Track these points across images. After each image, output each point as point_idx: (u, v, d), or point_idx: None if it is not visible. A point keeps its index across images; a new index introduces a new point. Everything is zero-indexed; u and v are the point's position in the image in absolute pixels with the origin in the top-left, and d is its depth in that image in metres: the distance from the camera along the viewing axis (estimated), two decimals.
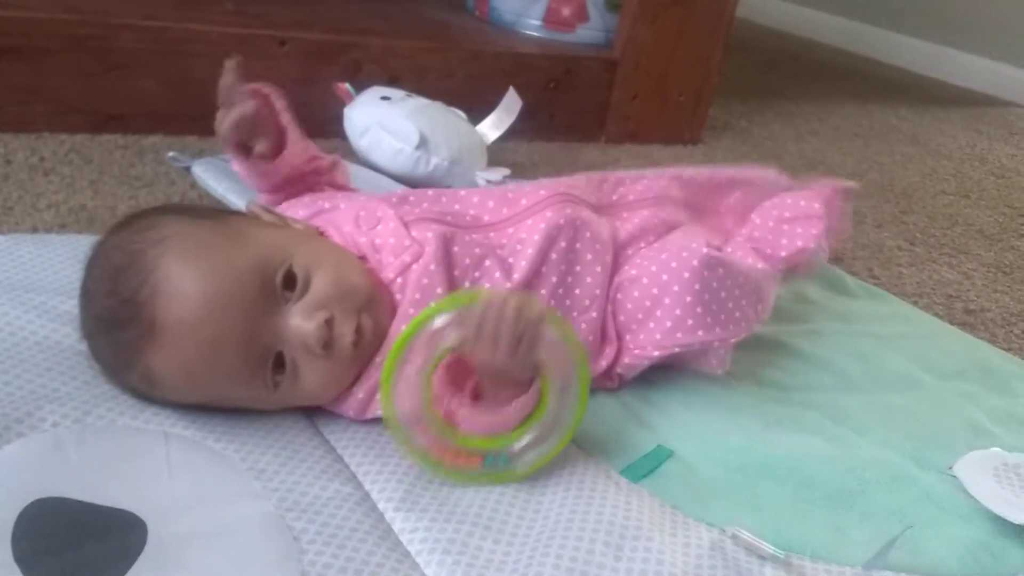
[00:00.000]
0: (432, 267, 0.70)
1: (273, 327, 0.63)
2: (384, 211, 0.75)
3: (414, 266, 0.70)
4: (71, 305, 0.71)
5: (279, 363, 0.64)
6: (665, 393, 0.79)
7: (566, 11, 1.65)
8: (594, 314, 0.75)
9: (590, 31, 1.66)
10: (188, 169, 1.10)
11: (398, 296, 0.70)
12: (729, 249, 0.83)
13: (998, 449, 0.76)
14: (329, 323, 0.64)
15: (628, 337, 0.76)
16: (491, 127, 1.32)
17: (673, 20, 1.59)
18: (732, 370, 0.80)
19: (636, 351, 0.76)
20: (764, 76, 2.49)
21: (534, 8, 1.67)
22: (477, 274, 0.72)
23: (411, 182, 1.14)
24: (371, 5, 1.62)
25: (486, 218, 0.77)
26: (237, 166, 0.80)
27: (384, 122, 1.18)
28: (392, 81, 1.33)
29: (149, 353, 0.61)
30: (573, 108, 1.57)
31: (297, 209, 0.77)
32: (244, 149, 0.78)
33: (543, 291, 0.74)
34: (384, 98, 1.22)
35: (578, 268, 0.75)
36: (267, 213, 0.73)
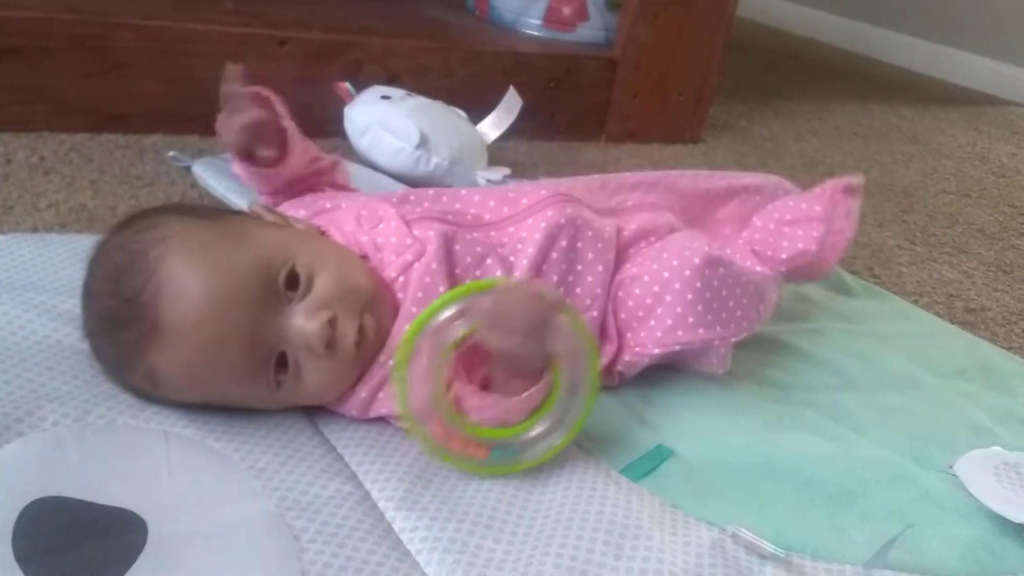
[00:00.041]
0: (434, 266, 0.70)
1: (276, 327, 0.64)
2: (385, 210, 0.75)
3: (416, 265, 0.70)
4: (71, 304, 0.71)
5: (282, 363, 0.64)
6: (666, 392, 0.79)
7: (566, 10, 1.65)
8: (595, 313, 0.75)
9: (590, 30, 1.66)
10: (188, 168, 1.10)
11: (400, 295, 0.70)
12: (729, 251, 0.83)
13: (998, 448, 0.76)
14: (332, 323, 0.64)
15: (629, 335, 0.76)
16: (491, 126, 1.32)
17: (673, 19, 1.59)
18: (733, 369, 0.80)
19: (637, 349, 0.76)
20: (764, 75, 2.49)
21: (534, 7, 1.67)
22: (479, 272, 0.72)
23: (411, 181, 1.14)
24: (371, 5, 1.62)
25: (487, 217, 0.77)
26: (239, 170, 0.80)
27: (384, 121, 1.18)
28: (392, 81, 1.33)
29: (152, 353, 0.61)
30: (573, 107, 1.57)
31: (298, 209, 0.77)
32: (247, 154, 0.78)
33: None
34: (384, 97, 1.22)
35: (579, 267, 0.75)
36: (269, 213, 0.73)
